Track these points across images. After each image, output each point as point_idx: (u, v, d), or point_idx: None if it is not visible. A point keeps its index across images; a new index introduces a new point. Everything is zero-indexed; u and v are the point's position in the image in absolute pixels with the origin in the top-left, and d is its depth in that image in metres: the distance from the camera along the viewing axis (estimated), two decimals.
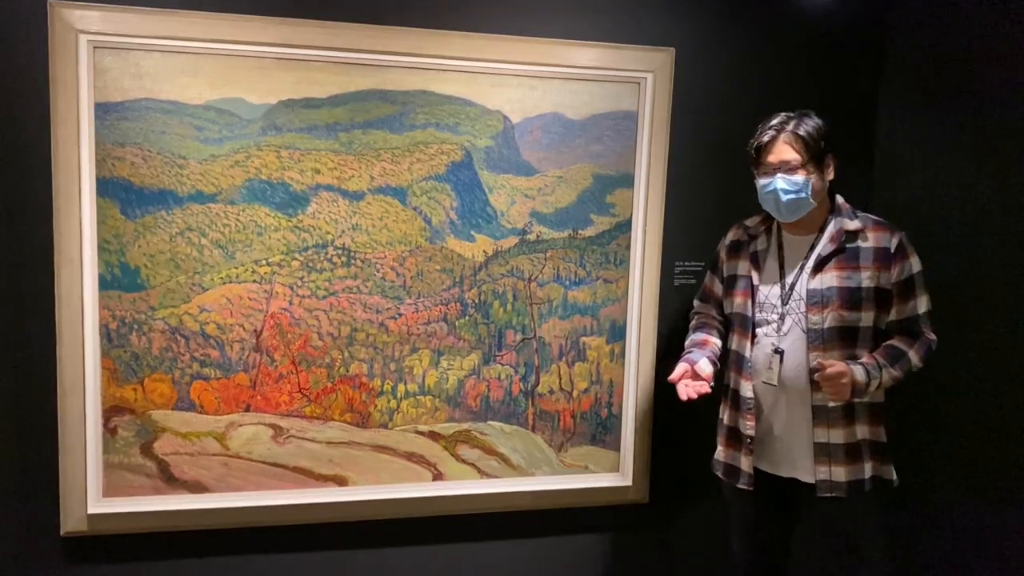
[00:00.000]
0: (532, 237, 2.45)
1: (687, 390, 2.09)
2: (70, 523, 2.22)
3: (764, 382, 2.11)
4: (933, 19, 2.51)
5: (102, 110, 2.13)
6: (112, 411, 2.22)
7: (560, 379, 2.53)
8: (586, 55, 2.41)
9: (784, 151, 2.03)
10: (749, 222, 2.25)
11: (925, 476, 2.43)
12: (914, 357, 2.02)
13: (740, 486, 2.15)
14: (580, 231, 2.49)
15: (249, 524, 2.35)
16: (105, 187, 2.16)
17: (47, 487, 2.21)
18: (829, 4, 2.62)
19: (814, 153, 2.02)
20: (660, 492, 2.67)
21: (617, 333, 2.55)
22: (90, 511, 2.22)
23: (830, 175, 2.08)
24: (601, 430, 2.58)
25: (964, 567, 2.34)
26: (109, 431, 2.23)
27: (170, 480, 2.28)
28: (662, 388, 2.60)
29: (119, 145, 2.15)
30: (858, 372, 1.95)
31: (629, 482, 2.60)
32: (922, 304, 2.04)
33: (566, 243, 2.48)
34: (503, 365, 2.49)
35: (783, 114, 2.08)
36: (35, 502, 2.23)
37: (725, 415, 2.24)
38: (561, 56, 2.39)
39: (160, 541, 2.32)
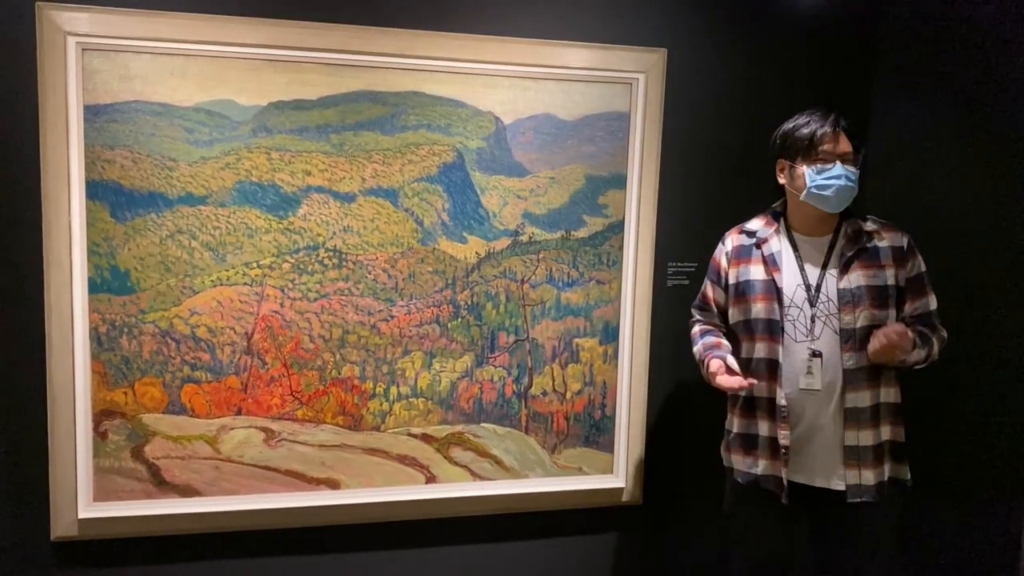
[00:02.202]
0: (525, 238, 2.45)
1: (742, 381, 2.04)
2: (60, 528, 2.21)
3: (803, 388, 2.05)
4: (926, 18, 2.51)
5: (91, 112, 2.12)
6: (102, 415, 2.21)
7: (553, 381, 2.52)
8: (578, 56, 2.40)
9: (845, 142, 2.05)
10: (751, 226, 2.20)
11: (936, 476, 2.41)
12: (935, 345, 2.04)
13: (785, 500, 2.07)
14: (573, 232, 2.48)
15: (241, 528, 2.33)
16: (95, 190, 2.15)
17: (37, 492, 2.20)
18: (821, 4, 2.62)
19: (859, 149, 2.08)
20: (654, 493, 2.66)
21: (610, 334, 2.55)
22: (80, 516, 2.21)
23: None
24: (595, 431, 2.57)
25: (980, 568, 2.32)
26: (99, 435, 2.21)
27: (161, 484, 2.26)
28: (656, 389, 2.60)
29: (108, 147, 2.14)
30: (908, 337, 1.97)
31: (623, 483, 2.59)
32: (932, 302, 2.08)
33: (559, 244, 2.48)
34: (496, 367, 2.48)
35: (822, 109, 2.09)
36: (25, 507, 2.21)
37: (763, 427, 2.12)
38: (553, 57, 2.38)
39: (151, 545, 2.30)
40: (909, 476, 2.09)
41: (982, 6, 2.31)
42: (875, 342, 1.95)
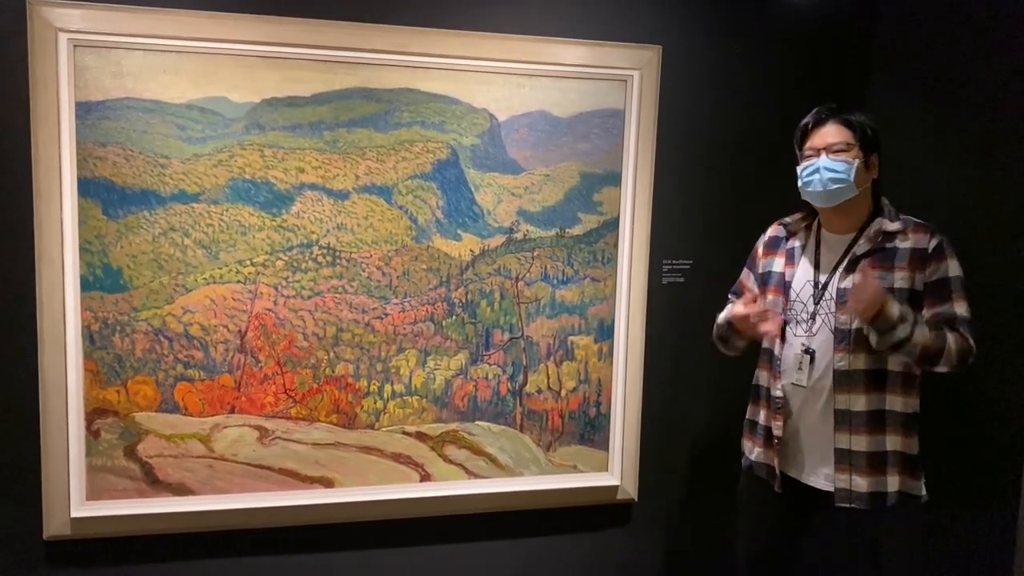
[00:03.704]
0: (519, 236, 2.44)
1: (773, 319, 2.05)
2: (53, 527, 2.20)
3: (794, 383, 2.06)
4: (921, 15, 2.51)
5: (83, 109, 2.11)
6: (95, 413, 2.20)
7: (548, 378, 2.52)
8: (572, 53, 2.39)
9: (832, 133, 1.99)
10: (789, 219, 2.21)
11: (948, 487, 2.35)
12: (952, 343, 1.88)
13: (777, 489, 2.11)
14: (567, 230, 2.48)
15: (235, 527, 2.33)
16: (87, 187, 2.13)
17: (30, 490, 2.19)
18: (816, 1, 2.62)
19: (863, 140, 1.99)
20: (649, 491, 2.66)
21: (605, 332, 2.54)
22: (73, 515, 2.20)
23: (874, 173, 2.04)
24: (589, 429, 2.57)
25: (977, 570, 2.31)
26: (92, 433, 2.20)
27: (154, 483, 2.25)
28: (651, 387, 2.60)
29: (100, 145, 2.13)
30: (893, 306, 1.84)
31: (618, 481, 2.59)
32: (959, 308, 1.93)
33: (553, 242, 2.47)
34: (491, 365, 2.47)
35: (834, 104, 2.05)
36: (17, 506, 2.20)
37: (760, 416, 2.18)
38: (547, 54, 2.37)
39: (144, 544, 2.29)
40: (924, 492, 2.00)
41: (976, 3, 2.31)
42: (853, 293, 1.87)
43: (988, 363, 2.22)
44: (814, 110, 2.05)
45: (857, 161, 1.97)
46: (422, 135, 2.33)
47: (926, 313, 1.95)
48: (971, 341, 1.93)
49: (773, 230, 2.25)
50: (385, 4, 2.28)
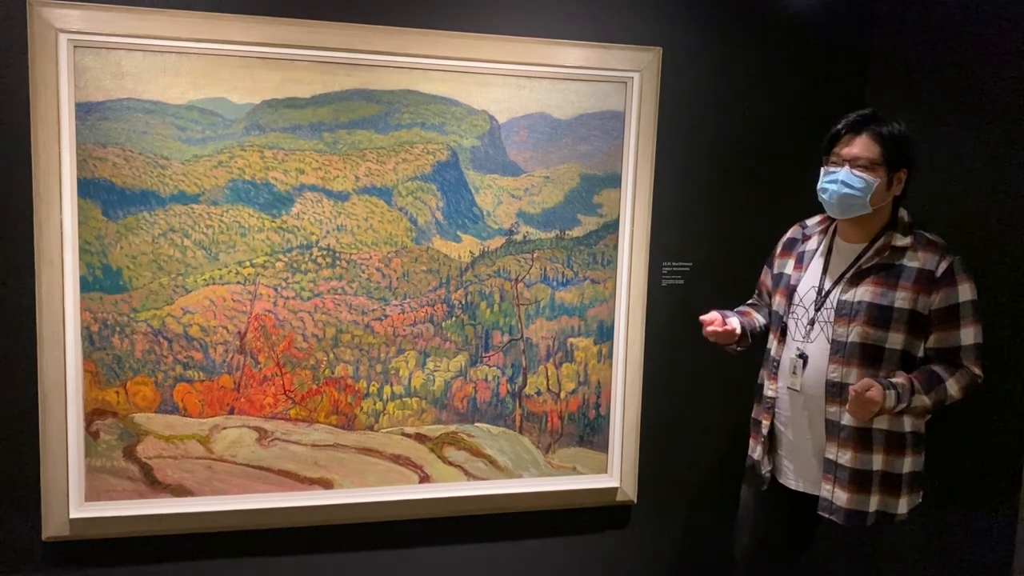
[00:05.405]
0: (519, 237, 2.44)
1: (712, 328, 2.10)
2: (52, 528, 2.20)
3: (789, 387, 2.08)
4: (920, 17, 2.51)
5: (83, 110, 2.11)
6: (94, 414, 2.20)
7: (547, 380, 2.52)
8: (573, 54, 2.39)
9: (861, 146, 1.94)
10: (810, 220, 2.19)
11: (948, 487, 2.35)
12: (952, 388, 1.91)
13: (763, 487, 2.15)
14: (567, 231, 2.48)
15: (233, 528, 2.32)
16: (86, 188, 2.13)
17: (28, 491, 2.19)
18: (816, 3, 2.62)
19: (891, 159, 1.93)
20: (648, 493, 2.65)
21: (605, 334, 2.54)
22: (72, 515, 2.20)
23: (897, 190, 1.98)
24: (589, 431, 2.57)
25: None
26: (91, 434, 2.20)
27: (153, 484, 2.25)
28: (650, 389, 2.60)
29: (100, 145, 2.13)
30: (890, 398, 1.85)
31: (617, 483, 2.59)
32: (968, 336, 1.91)
33: (553, 243, 2.47)
34: (490, 366, 2.47)
35: (871, 109, 2.00)
36: (16, 507, 2.20)
37: (761, 414, 2.21)
38: (548, 55, 2.37)
39: (143, 545, 2.29)
40: (900, 510, 1.99)
41: (974, 4, 2.31)
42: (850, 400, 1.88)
43: (989, 364, 2.23)
44: (852, 115, 1.98)
45: (878, 181, 1.93)
46: (422, 136, 2.33)
47: (930, 341, 1.95)
48: (976, 369, 1.94)
49: (792, 231, 2.24)
50: (385, 5, 2.28)
